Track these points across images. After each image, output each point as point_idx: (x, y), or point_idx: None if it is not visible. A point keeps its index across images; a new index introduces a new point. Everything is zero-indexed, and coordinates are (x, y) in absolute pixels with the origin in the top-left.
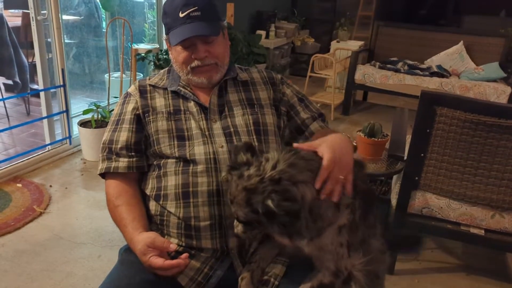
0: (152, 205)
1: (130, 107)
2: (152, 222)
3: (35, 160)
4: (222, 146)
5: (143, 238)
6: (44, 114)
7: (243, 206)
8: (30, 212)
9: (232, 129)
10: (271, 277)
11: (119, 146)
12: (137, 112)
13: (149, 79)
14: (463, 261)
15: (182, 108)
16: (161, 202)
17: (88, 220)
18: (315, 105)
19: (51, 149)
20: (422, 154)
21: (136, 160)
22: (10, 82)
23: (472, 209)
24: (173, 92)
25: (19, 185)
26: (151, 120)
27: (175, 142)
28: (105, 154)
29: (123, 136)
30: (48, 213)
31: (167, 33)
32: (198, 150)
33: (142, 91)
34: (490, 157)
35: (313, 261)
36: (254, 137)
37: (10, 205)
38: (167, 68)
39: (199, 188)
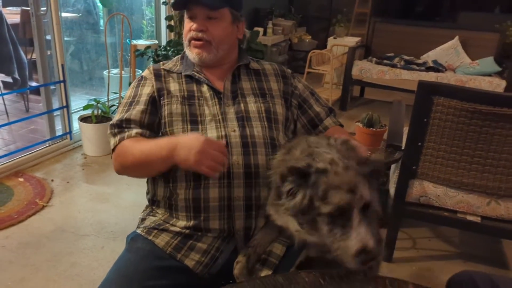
0: (161, 189)
1: (145, 90)
2: (160, 207)
3: (36, 155)
4: (234, 130)
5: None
6: (45, 109)
7: (362, 176)
8: (32, 206)
9: (244, 114)
10: (271, 257)
11: (132, 123)
12: (153, 95)
13: (163, 64)
14: (460, 249)
15: (196, 93)
16: (170, 185)
17: (90, 213)
18: (323, 99)
19: (52, 144)
20: (420, 143)
21: (149, 135)
22: (8, 79)
23: (468, 196)
24: (187, 76)
25: (21, 179)
26: (166, 103)
27: (188, 126)
28: (115, 130)
29: (136, 115)
30: (51, 206)
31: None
32: (211, 134)
33: (157, 75)
34: (486, 145)
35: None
36: (266, 123)
37: (12, 198)
38: (180, 55)
39: None
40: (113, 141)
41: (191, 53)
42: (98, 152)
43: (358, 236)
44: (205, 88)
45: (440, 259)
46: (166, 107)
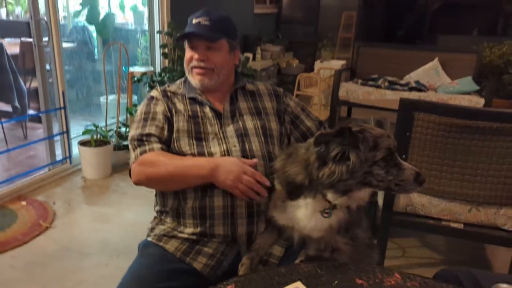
0: (170, 200)
1: (158, 108)
2: (168, 216)
3: (37, 179)
4: (234, 146)
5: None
6: (45, 135)
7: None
8: (36, 227)
9: (243, 131)
10: (271, 258)
11: (152, 137)
12: (166, 113)
13: (168, 86)
14: (447, 256)
15: (199, 114)
16: (180, 196)
17: (93, 233)
18: (313, 114)
19: (52, 169)
20: (404, 156)
21: (167, 150)
22: (5, 109)
23: (450, 204)
24: (191, 98)
25: (23, 203)
26: (175, 120)
27: (194, 142)
28: (135, 143)
29: (156, 131)
30: (54, 227)
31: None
32: (214, 149)
33: (165, 95)
34: (464, 156)
35: (306, 241)
36: (262, 138)
37: (17, 221)
38: (183, 79)
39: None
40: (134, 153)
41: (193, 79)
42: (97, 175)
43: (408, 167)
44: (207, 109)
45: (428, 266)
46: (174, 124)
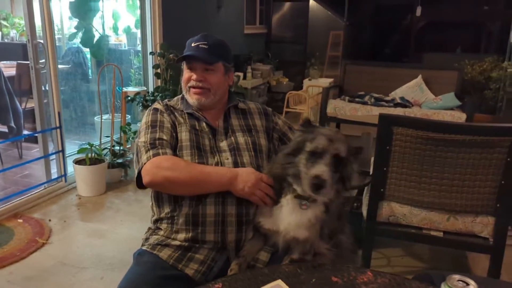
0: (167, 207)
1: (164, 118)
2: (163, 223)
3: (33, 197)
4: (227, 158)
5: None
6: (41, 154)
7: (343, 142)
8: (33, 244)
9: (235, 145)
10: (258, 263)
11: (164, 141)
12: (172, 124)
13: (168, 101)
14: (430, 264)
15: (197, 127)
16: (178, 202)
17: (88, 248)
18: None
19: (48, 187)
20: (385, 168)
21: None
22: (1, 129)
23: (430, 214)
24: (188, 113)
25: (20, 220)
26: (178, 131)
27: (195, 151)
28: (148, 146)
29: (167, 137)
30: (50, 243)
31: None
32: (211, 161)
33: (167, 108)
34: (440, 167)
35: (292, 246)
36: (252, 153)
37: (13, 238)
38: (180, 96)
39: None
40: (146, 155)
41: (191, 98)
42: (92, 192)
43: (318, 168)
44: (203, 124)
45: (412, 274)
46: (178, 135)
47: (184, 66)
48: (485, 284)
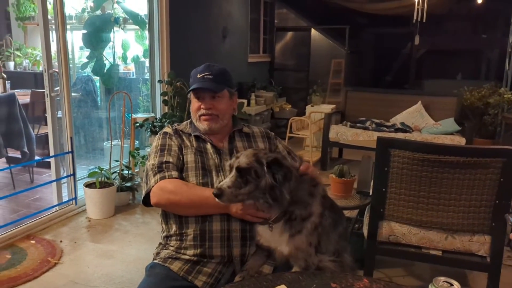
0: (175, 225)
1: (173, 142)
2: (172, 240)
3: (44, 220)
4: None
5: None
6: (54, 178)
7: (250, 156)
8: (45, 264)
9: None
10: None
11: (170, 164)
12: (179, 147)
13: (177, 125)
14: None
15: (202, 149)
16: (183, 221)
17: (98, 268)
18: (299, 156)
19: (59, 210)
20: (384, 189)
21: (182, 178)
22: (13, 155)
23: (429, 233)
24: (195, 136)
25: (32, 241)
26: (184, 153)
27: (200, 172)
28: (156, 169)
29: (173, 160)
30: (62, 263)
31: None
32: (216, 179)
33: (176, 132)
34: (437, 187)
35: (290, 261)
36: None
37: (27, 258)
38: (189, 120)
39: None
40: (154, 178)
41: (202, 125)
42: (101, 215)
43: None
44: (209, 146)
45: None
46: (184, 157)
47: (191, 96)
48: None
